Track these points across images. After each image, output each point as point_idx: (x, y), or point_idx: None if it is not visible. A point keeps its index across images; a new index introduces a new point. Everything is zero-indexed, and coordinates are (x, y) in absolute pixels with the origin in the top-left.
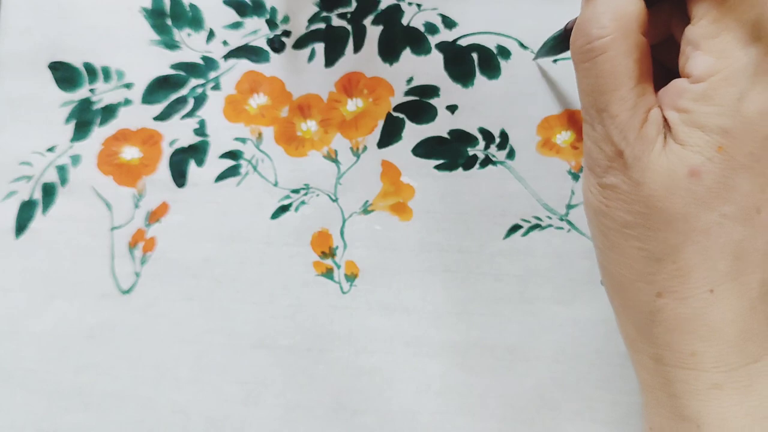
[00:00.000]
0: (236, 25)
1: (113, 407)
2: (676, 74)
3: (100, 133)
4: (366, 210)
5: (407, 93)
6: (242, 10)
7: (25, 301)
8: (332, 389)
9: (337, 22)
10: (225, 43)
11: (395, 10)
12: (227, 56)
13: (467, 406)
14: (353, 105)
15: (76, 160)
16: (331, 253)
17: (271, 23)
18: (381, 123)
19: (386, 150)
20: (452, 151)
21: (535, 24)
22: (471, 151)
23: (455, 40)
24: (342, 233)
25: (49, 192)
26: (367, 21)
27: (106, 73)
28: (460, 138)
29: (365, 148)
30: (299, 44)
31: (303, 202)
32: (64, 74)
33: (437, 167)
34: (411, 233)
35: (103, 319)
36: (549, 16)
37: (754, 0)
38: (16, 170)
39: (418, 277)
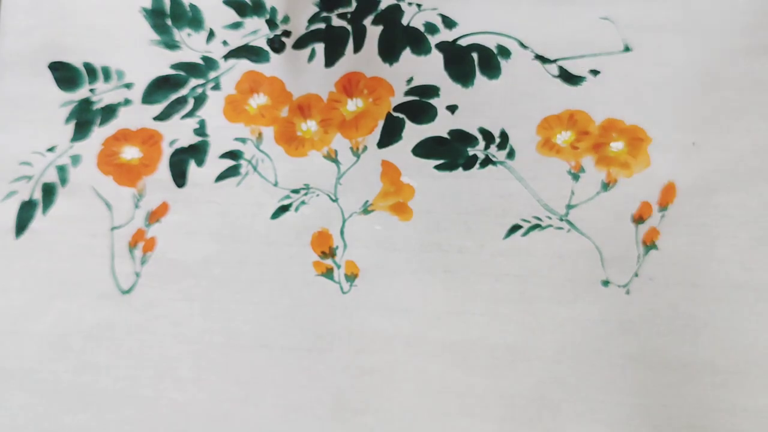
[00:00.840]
0: (236, 25)
1: (113, 407)
2: None
3: (100, 133)
4: (366, 210)
5: (407, 93)
6: (242, 10)
7: (25, 301)
8: (332, 389)
9: (337, 22)
10: (225, 43)
11: (395, 10)
12: (227, 56)
13: (467, 406)
14: (353, 105)
15: (76, 160)
16: (331, 253)
17: (271, 23)
18: (381, 123)
19: (386, 150)
20: (452, 151)
21: (535, 24)
22: (471, 151)
23: (455, 40)
24: (342, 233)
25: (49, 192)
26: (367, 21)
27: (106, 73)
28: (460, 138)
29: (365, 148)
30: (299, 44)
31: (303, 202)
32: (64, 74)
33: (437, 167)
34: (411, 233)
35: (103, 319)
36: (549, 16)
37: None
38: (16, 170)
39: (418, 277)
